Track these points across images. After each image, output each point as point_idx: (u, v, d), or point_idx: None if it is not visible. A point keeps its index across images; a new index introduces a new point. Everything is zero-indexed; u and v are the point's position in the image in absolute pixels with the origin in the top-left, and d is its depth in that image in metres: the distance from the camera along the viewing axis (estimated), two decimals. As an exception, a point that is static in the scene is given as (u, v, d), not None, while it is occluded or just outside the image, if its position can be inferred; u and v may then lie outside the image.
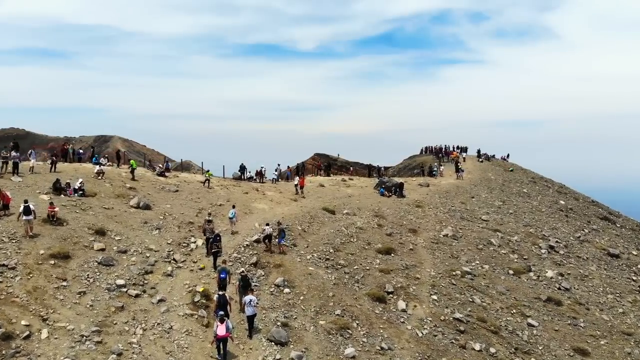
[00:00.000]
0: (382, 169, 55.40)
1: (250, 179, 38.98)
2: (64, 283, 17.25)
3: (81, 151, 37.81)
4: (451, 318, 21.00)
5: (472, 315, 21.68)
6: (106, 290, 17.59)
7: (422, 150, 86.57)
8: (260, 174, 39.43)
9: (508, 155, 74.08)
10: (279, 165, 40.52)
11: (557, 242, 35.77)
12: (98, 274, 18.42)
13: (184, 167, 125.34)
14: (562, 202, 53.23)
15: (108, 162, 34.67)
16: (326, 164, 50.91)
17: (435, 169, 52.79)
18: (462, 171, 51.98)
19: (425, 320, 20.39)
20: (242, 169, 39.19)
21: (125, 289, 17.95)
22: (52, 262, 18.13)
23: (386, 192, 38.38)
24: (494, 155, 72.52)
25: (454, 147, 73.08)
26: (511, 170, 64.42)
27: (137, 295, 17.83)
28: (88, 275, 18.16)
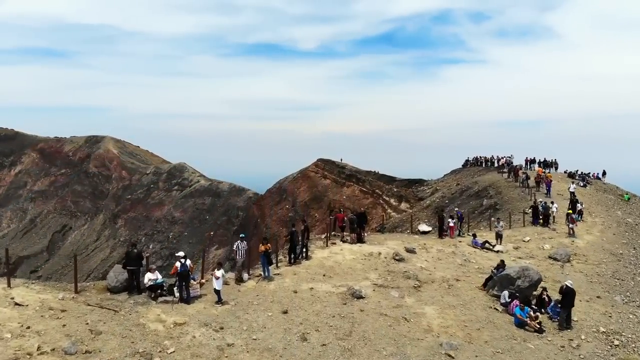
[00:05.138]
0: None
1: (159, 290, 13.53)
2: None
3: None
4: None
5: None
6: None
7: (466, 162, 60.95)
8: (183, 279, 13.31)
9: (604, 173, 49.25)
10: (241, 240, 15.46)
11: None
12: None
13: (177, 169, 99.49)
14: None
15: None
16: (356, 216, 21.56)
17: (546, 207, 28.24)
18: (580, 216, 28.49)
19: None
20: (134, 260, 13.37)
21: None
22: None
23: (530, 320, 14.09)
24: (588, 173, 47.66)
25: (529, 161, 48.34)
26: (628, 199, 40.57)
27: None
28: None
